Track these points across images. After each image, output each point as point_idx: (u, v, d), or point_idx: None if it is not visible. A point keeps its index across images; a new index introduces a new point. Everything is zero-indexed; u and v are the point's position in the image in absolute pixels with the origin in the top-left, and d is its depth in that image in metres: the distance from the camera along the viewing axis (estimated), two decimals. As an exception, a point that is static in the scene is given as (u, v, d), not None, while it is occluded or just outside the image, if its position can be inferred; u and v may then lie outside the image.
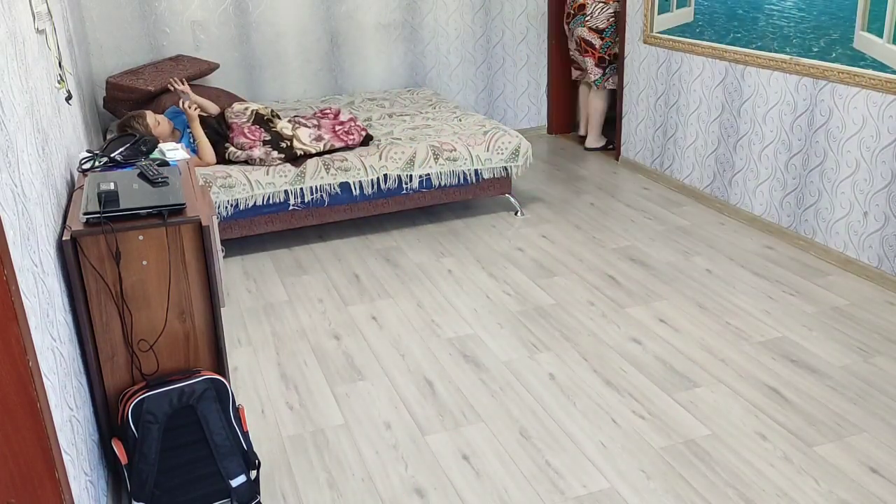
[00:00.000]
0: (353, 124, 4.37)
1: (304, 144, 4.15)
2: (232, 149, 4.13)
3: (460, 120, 4.80)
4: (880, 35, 3.44)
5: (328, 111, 4.45)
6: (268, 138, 4.16)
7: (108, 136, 4.56)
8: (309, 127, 4.29)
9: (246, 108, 4.31)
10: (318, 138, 4.21)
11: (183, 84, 4.40)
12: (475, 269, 3.97)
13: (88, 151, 2.81)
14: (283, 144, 4.13)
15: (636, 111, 5.34)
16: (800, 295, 3.57)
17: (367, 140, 4.39)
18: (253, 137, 4.14)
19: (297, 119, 4.38)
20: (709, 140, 4.66)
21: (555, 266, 3.97)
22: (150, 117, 3.85)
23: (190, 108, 4.06)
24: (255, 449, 2.62)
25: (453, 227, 4.54)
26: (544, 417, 2.77)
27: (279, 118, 4.34)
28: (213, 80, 5.38)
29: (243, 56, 5.43)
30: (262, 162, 4.08)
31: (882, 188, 3.55)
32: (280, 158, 4.10)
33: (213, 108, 4.43)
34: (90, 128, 4.24)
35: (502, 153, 4.47)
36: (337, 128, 4.30)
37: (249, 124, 4.22)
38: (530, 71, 6.21)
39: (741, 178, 4.43)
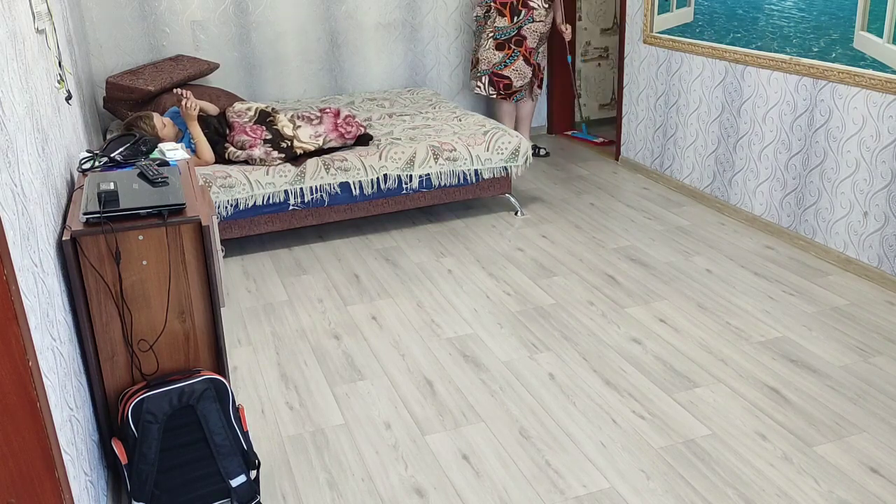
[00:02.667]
0: (351, 119, 4.38)
1: (303, 143, 4.15)
2: (232, 149, 4.13)
3: (460, 120, 4.80)
4: (880, 35, 3.44)
5: (328, 110, 4.45)
6: (268, 137, 4.16)
7: (109, 136, 4.56)
8: (312, 123, 4.29)
9: (248, 108, 4.31)
10: (317, 135, 4.21)
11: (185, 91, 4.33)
12: (475, 269, 3.97)
13: (88, 151, 2.81)
14: (284, 144, 4.13)
15: (636, 111, 5.34)
16: (800, 295, 3.57)
17: (365, 139, 4.38)
18: (254, 135, 4.14)
19: (300, 115, 4.37)
20: (709, 140, 4.66)
21: (555, 266, 3.97)
22: (157, 119, 3.84)
23: (188, 107, 4.04)
24: (255, 449, 2.63)
25: (453, 227, 4.54)
26: (544, 417, 2.77)
27: (279, 113, 4.34)
28: (213, 80, 5.38)
29: (243, 56, 5.43)
30: (262, 162, 4.08)
31: (882, 188, 3.55)
32: (280, 158, 4.10)
33: (213, 110, 4.43)
34: (90, 128, 4.24)
35: (502, 153, 4.47)
36: (337, 121, 4.30)
37: (252, 123, 4.22)
38: (530, 71, 6.21)
39: (741, 178, 4.43)
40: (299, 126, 4.25)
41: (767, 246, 4.11)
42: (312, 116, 4.35)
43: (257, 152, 4.08)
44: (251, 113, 4.28)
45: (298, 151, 4.12)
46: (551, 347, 3.22)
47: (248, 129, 4.16)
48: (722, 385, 2.92)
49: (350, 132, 4.28)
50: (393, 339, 3.33)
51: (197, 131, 4.08)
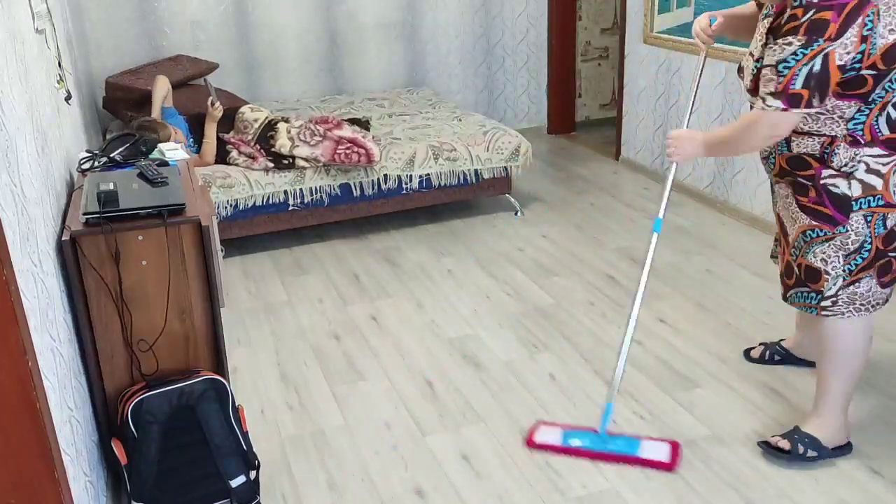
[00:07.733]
0: (354, 147, 4.11)
1: (305, 162, 4.09)
2: (234, 154, 4.12)
3: (460, 120, 4.80)
4: (880, 35, 3.43)
5: (331, 131, 4.18)
6: (270, 165, 4.07)
7: (109, 136, 4.55)
8: (310, 144, 4.11)
9: (255, 120, 4.23)
10: (314, 157, 4.08)
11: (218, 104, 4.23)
12: (475, 269, 3.97)
13: (88, 151, 2.81)
14: (286, 162, 4.09)
15: (636, 111, 5.34)
16: (800, 295, 3.57)
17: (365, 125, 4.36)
18: (256, 155, 4.11)
19: (303, 131, 4.21)
20: (709, 140, 4.65)
21: (555, 266, 3.97)
22: (170, 131, 3.78)
23: (215, 108, 4.04)
24: (255, 449, 2.62)
25: (453, 227, 4.54)
26: (544, 417, 2.77)
27: (280, 128, 4.19)
28: (214, 80, 5.36)
29: (243, 56, 5.43)
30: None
31: (882, 188, 3.55)
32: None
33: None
34: (90, 128, 4.24)
35: (502, 153, 4.47)
36: (339, 149, 4.10)
37: (253, 143, 4.15)
38: (530, 71, 6.21)
39: (741, 178, 4.43)
40: (297, 146, 4.09)
41: (768, 246, 4.10)
42: (314, 137, 4.13)
43: (258, 166, 4.06)
44: (256, 126, 4.20)
45: (298, 165, 4.09)
46: (551, 347, 3.22)
47: (249, 151, 4.12)
48: (722, 385, 2.92)
49: (352, 163, 4.10)
50: (393, 340, 3.33)
51: (212, 133, 4.07)
